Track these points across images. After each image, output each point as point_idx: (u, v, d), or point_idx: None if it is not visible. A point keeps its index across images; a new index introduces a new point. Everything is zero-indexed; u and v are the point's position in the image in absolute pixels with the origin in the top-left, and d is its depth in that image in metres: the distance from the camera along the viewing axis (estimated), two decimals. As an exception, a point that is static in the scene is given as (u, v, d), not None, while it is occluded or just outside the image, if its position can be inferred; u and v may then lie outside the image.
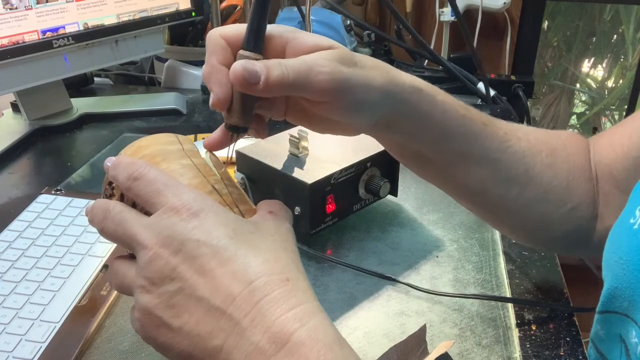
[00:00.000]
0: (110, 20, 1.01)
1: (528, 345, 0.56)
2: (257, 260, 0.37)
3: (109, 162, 0.42)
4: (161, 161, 0.43)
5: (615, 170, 0.54)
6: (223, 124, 0.45)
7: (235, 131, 0.44)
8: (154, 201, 0.39)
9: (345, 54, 0.43)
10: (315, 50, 0.42)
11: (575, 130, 2.35)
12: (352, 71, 0.43)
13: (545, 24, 2.20)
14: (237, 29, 0.43)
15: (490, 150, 0.52)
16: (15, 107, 1.06)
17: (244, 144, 0.75)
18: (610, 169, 0.55)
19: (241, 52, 0.42)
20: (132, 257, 0.41)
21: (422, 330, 0.56)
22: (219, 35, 0.43)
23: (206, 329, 0.36)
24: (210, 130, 1.00)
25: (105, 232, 0.41)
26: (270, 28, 0.43)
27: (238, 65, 0.40)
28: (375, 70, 0.45)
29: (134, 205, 0.41)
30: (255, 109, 0.45)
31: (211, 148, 0.46)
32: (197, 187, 0.41)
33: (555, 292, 0.64)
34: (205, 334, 0.36)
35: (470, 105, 0.52)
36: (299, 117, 0.47)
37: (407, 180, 0.83)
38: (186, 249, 0.37)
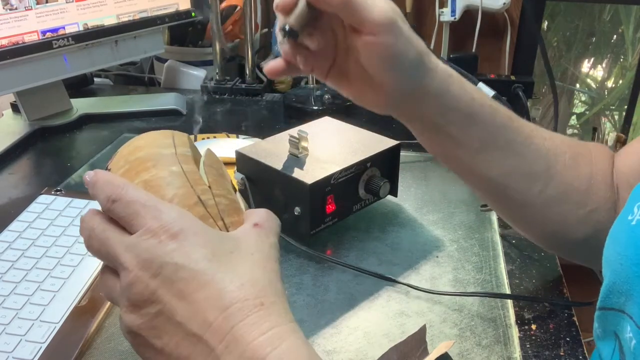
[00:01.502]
0: (110, 20, 1.01)
1: (528, 345, 0.56)
2: (233, 285, 0.37)
3: (88, 176, 0.42)
4: (151, 167, 0.43)
5: (632, 178, 0.55)
6: (281, 56, 0.51)
7: (289, 35, 0.49)
8: (133, 223, 0.39)
9: (402, 15, 0.49)
10: None
11: (575, 131, 2.35)
12: (403, 25, 0.49)
13: (545, 24, 2.20)
14: None
15: (515, 143, 0.54)
16: (15, 107, 1.06)
17: (244, 144, 0.75)
18: (627, 177, 0.56)
19: None
20: None
21: (422, 331, 0.56)
22: None
23: (184, 352, 0.37)
24: (211, 130, 1.00)
25: (91, 250, 0.41)
26: None
27: None
28: (416, 39, 0.50)
29: None
30: (310, 26, 0.49)
31: (271, 75, 0.52)
32: (182, 198, 0.41)
33: (555, 292, 0.64)
34: (184, 357, 0.37)
35: None
36: (338, 78, 0.52)
37: (407, 180, 0.83)
38: (164, 273, 0.37)
